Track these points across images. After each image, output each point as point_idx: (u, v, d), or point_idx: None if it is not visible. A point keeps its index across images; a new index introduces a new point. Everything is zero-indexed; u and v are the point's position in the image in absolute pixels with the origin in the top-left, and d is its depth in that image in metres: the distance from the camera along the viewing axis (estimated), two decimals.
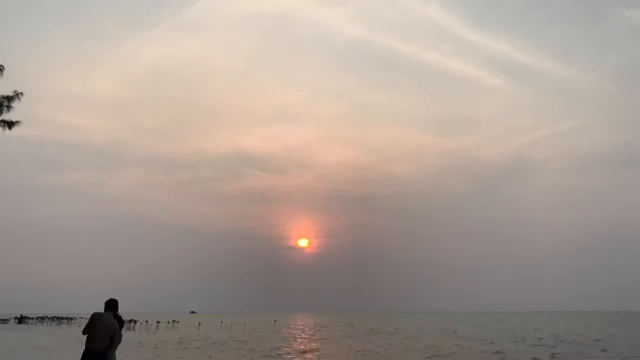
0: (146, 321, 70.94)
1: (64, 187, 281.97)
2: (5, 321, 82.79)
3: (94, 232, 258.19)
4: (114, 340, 7.77)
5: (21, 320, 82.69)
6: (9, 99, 20.98)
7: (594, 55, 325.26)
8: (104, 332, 7.69)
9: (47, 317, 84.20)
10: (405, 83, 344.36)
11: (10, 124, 20.92)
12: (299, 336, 40.56)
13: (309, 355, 23.59)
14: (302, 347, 28.73)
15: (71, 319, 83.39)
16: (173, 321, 71.06)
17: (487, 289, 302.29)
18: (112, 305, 8.14)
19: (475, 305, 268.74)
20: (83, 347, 7.78)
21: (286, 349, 27.30)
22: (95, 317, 7.81)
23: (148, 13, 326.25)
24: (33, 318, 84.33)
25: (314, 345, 30.16)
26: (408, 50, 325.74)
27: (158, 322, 68.13)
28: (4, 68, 21.29)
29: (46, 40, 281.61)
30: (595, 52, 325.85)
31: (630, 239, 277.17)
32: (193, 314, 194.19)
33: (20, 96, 21.01)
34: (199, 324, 68.03)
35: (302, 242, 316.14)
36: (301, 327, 63.05)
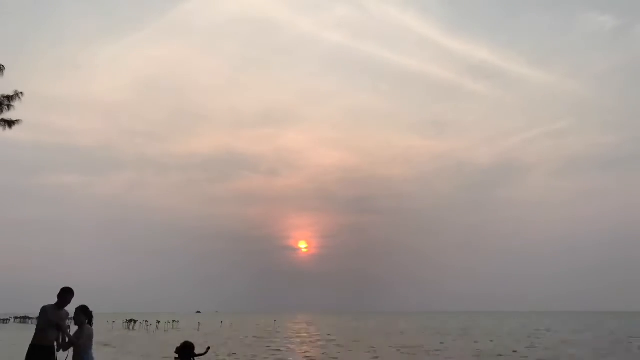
0: (146, 321, 70.90)
1: (57, 189, 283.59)
2: (5, 321, 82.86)
3: (90, 233, 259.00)
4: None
5: (23, 319, 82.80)
6: (9, 98, 20.97)
7: (572, 61, 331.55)
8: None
9: None
10: (388, 87, 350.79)
11: (10, 123, 20.91)
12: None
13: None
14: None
15: (71, 318, 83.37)
16: (173, 321, 71.11)
17: (480, 288, 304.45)
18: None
19: (468, 306, 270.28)
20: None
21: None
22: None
23: (131, 17, 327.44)
24: (33, 318, 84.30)
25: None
26: (388, 57, 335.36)
27: (158, 322, 68.14)
28: (4, 68, 21.31)
29: (29, 45, 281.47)
30: (573, 57, 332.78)
31: (620, 238, 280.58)
32: (198, 314, 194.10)
33: (20, 96, 20.99)
34: (199, 324, 67.94)
35: (297, 243, 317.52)
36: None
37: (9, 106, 21.35)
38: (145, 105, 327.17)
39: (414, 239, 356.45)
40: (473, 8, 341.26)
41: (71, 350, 7.32)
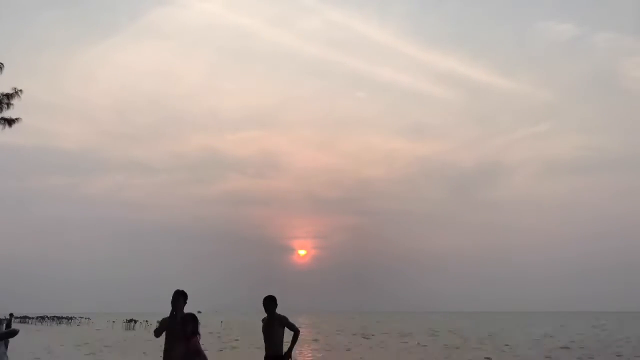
0: (146, 321, 70.68)
1: (50, 190, 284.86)
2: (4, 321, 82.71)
3: (84, 234, 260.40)
4: None
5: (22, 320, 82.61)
6: (9, 96, 20.84)
7: (536, 70, 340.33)
8: None
9: (47, 316, 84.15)
10: (365, 94, 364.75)
11: (10, 122, 20.79)
12: None
13: None
14: None
15: (71, 318, 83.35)
16: None
17: (467, 289, 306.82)
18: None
19: (454, 306, 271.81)
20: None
21: None
22: None
23: (111, 21, 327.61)
24: (33, 318, 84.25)
25: None
26: (361, 67, 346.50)
27: (158, 322, 67.81)
28: (3, 66, 21.16)
29: (12, 49, 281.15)
30: (536, 67, 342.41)
31: (606, 241, 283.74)
32: (199, 314, 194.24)
33: (19, 93, 20.85)
34: (200, 323, 67.61)
35: (289, 244, 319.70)
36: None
37: (8, 104, 21.22)
38: (128, 108, 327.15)
39: (403, 239, 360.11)
40: (434, 22, 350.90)
41: None
